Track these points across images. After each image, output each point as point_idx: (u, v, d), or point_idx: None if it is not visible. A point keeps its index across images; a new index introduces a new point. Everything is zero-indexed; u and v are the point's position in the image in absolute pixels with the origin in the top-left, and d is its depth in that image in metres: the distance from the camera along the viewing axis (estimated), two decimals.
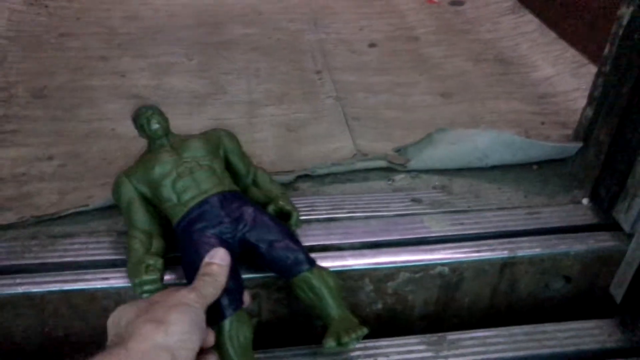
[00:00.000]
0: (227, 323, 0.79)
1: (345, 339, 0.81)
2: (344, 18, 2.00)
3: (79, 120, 1.35)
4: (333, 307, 0.85)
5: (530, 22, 1.87)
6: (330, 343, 0.81)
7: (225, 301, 0.79)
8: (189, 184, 0.84)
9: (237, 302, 0.81)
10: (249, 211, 0.87)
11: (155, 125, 0.88)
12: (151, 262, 0.84)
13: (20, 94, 1.43)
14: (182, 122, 1.36)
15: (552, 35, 1.75)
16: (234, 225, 0.86)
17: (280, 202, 0.94)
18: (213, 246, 0.81)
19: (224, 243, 0.83)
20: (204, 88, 1.52)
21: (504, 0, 2.02)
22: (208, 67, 1.63)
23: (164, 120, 0.90)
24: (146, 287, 0.82)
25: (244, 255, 0.90)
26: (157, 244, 0.88)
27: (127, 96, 1.46)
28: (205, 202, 0.84)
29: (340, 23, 1.96)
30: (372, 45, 1.81)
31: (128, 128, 1.40)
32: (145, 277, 0.81)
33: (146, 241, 0.86)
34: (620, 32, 1.02)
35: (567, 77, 1.55)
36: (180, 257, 0.87)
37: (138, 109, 0.91)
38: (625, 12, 1.00)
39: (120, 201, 0.91)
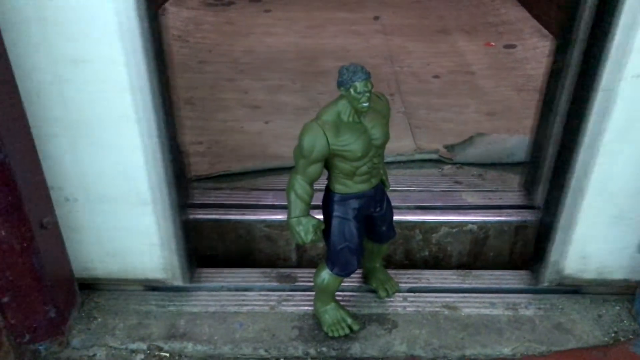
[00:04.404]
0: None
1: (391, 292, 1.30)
2: (414, 56, 2.48)
3: (217, 120, 1.88)
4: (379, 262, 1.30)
5: None
6: (382, 294, 1.29)
7: (355, 260, 1.15)
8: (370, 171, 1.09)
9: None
10: (384, 204, 1.18)
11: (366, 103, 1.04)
12: (319, 230, 1.09)
13: (176, 100, 1.99)
14: (290, 124, 1.88)
15: None
16: (373, 209, 1.17)
17: (383, 176, 1.20)
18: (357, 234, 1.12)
19: (361, 222, 1.14)
20: (304, 103, 2.03)
21: (549, 45, 2.43)
22: (307, 88, 2.14)
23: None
24: (311, 240, 1.08)
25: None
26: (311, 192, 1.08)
27: (250, 106, 1.99)
28: (369, 190, 1.11)
29: (411, 59, 2.44)
30: (435, 76, 2.27)
31: (253, 127, 1.95)
32: (314, 238, 1.08)
33: (310, 191, 1.07)
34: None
35: None
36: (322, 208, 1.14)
37: (359, 77, 1.03)
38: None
39: (308, 149, 1.04)
